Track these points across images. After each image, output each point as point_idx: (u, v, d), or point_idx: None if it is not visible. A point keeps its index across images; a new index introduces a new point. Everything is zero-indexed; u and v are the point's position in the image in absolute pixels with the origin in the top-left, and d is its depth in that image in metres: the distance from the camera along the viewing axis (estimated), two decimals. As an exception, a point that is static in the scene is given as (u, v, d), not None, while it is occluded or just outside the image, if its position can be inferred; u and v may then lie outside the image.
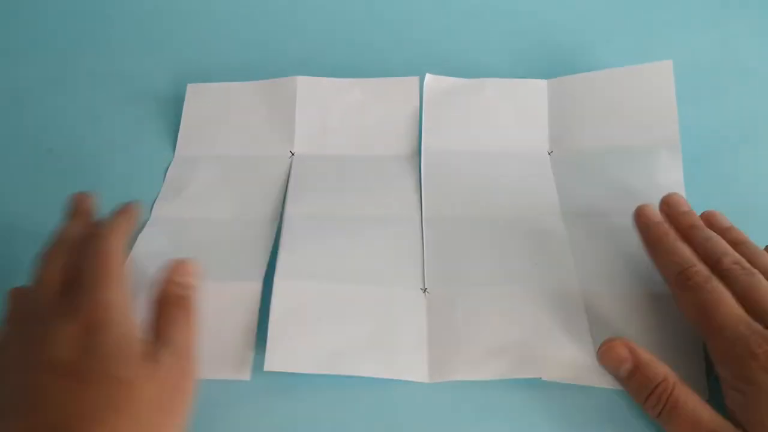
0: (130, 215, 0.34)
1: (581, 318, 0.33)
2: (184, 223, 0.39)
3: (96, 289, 0.28)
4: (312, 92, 0.43)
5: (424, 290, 0.35)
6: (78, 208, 0.35)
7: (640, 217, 0.34)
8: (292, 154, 0.42)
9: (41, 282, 0.29)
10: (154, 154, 0.43)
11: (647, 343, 0.32)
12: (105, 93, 0.46)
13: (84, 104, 0.46)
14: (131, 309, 0.29)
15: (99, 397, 0.25)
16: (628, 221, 0.35)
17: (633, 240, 0.36)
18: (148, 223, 0.39)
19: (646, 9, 0.51)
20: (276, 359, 0.32)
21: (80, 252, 0.30)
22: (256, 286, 0.35)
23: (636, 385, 0.30)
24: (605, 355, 0.31)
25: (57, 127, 0.45)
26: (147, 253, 0.37)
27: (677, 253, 0.31)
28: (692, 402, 0.28)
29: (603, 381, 0.31)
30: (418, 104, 0.43)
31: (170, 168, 0.42)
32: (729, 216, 0.38)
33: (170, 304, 0.30)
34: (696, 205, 0.38)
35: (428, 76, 0.43)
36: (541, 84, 0.43)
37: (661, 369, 0.29)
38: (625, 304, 0.34)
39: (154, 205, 0.40)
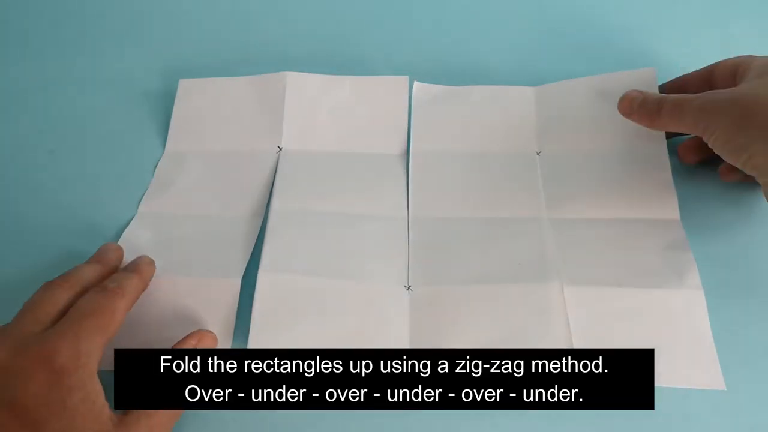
0: (145, 278, 0.34)
1: (563, 317, 0.33)
2: (169, 219, 0.39)
3: (78, 336, 0.28)
4: (301, 88, 0.43)
5: (408, 288, 0.35)
6: (103, 256, 0.35)
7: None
8: (280, 149, 0.42)
9: (35, 315, 0.29)
10: (146, 150, 0.43)
11: (640, 337, 0.33)
12: (100, 92, 0.46)
13: (79, 104, 0.46)
14: (96, 370, 0.28)
15: None
16: (615, 220, 0.35)
17: (619, 239, 0.36)
18: (134, 218, 0.39)
19: (646, 9, 0.50)
20: None
21: (85, 298, 0.30)
22: (235, 283, 0.35)
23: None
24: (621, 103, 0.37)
25: (55, 127, 0.44)
26: (131, 249, 0.36)
27: None
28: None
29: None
30: (407, 103, 0.42)
31: (159, 163, 0.42)
32: (728, 214, 0.38)
33: None
34: (696, 205, 0.38)
35: (416, 85, 0.43)
36: (528, 91, 0.43)
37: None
38: (610, 302, 0.34)
39: (142, 201, 0.40)
